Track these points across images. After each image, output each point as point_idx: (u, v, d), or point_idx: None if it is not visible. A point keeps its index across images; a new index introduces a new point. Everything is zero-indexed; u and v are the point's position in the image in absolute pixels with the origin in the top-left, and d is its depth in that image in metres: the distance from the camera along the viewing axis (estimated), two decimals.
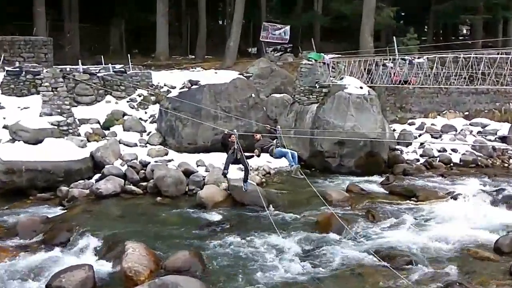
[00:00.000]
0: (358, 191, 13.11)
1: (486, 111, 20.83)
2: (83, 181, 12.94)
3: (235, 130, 11.44)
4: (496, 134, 18.28)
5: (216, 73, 18.79)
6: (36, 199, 12.33)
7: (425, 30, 33.61)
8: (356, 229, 10.18)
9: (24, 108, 14.83)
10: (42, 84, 14.73)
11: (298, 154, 15.99)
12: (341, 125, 15.16)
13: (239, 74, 18.29)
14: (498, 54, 14.77)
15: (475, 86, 15.47)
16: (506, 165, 16.39)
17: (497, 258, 8.90)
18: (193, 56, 26.27)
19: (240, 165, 12.19)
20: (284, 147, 11.50)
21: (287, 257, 8.90)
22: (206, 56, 25.87)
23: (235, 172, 13.83)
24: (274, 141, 11.62)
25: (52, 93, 14.50)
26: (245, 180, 11.71)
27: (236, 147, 10.99)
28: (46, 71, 14.98)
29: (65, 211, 11.52)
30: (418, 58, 18.37)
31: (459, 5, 26.33)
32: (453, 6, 26.79)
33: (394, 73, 17.14)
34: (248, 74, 19.14)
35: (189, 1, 28.51)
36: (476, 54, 14.88)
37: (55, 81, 14.67)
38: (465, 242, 9.51)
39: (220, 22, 34.73)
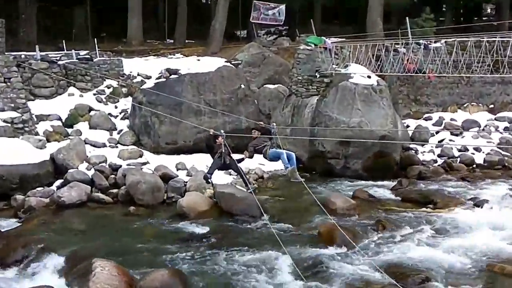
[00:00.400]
0: (366, 198, 13.19)
1: None
2: (42, 188, 12.89)
3: (222, 131, 11.39)
4: None
5: (198, 60, 18.81)
6: None
7: (443, 9, 33.84)
8: (364, 242, 10.22)
9: None
10: None
11: (296, 155, 16.19)
12: (345, 121, 15.24)
13: (226, 61, 18.32)
14: None
15: (500, 74, 15.62)
16: None
17: None
18: (172, 41, 26.27)
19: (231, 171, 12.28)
20: (280, 147, 11.55)
21: (284, 276, 8.91)
22: (187, 41, 25.89)
23: (222, 177, 13.91)
24: (269, 141, 11.63)
25: (4, 84, 14.43)
26: (246, 185, 11.69)
27: (223, 151, 10.98)
28: None
29: (21, 223, 11.43)
30: (435, 42, 18.50)
31: None
32: None
33: (407, 60, 17.25)
34: (236, 62, 19.18)
35: None
36: (502, 37, 15.04)
37: (7, 70, 14.60)
38: (490, 256, 9.57)
39: (204, 1, 34.74)
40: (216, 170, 11.61)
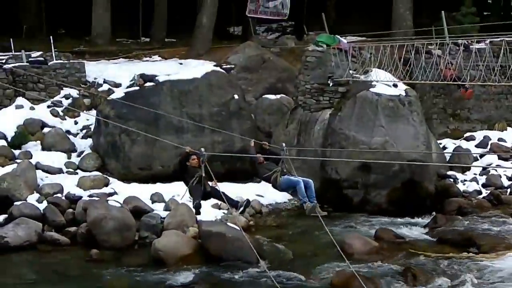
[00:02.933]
0: (391, 239, 13.19)
1: None
2: None
3: (202, 149, 11.37)
4: None
5: (181, 64, 18.98)
6: None
7: (488, 1, 34.23)
8: None
9: None
10: None
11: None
12: (365, 142, 15.30)
13: (216, 65, 18.46)
14: None
15: None
16: None
17: None
18: (148, 40, 26.42)
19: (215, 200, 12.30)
20: (293, 173, 11.49)
21: None
22: (166, 39, 26.04)
23: (209, 211, 13.89)
24: (282, 164, 11.53)
25: None
26: (236, 208, 11.68)
27: (203, 175, 10.95)
28: None
29: None
30: (478, 42, 18.66)
31: None
32: None
33: (446, 66, 17.38)
34: (228, 66, 19.31)
35: None
36: None
37: None
38: None
39: None
40: (199, 202, 11.63)
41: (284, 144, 12.22)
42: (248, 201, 12.25)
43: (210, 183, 11.29)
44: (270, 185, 11.55)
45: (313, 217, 14.87)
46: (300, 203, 11.51)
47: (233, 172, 15.65)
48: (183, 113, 16.41)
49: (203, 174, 10.90)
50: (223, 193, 11.69)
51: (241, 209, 11.99)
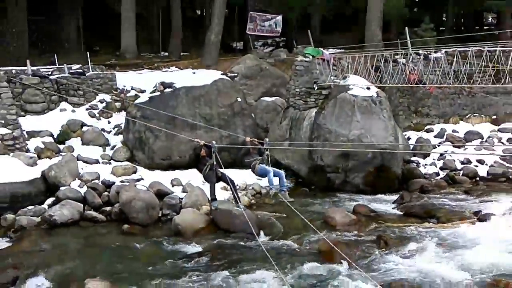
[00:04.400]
0: (366, 213, 13.17)
1: None
2: (33, 207, 12.85)
3: (214, 142, 11.48)
4: None
5: (194, 73, 18.92)
6: None
7: (443, 19, 34.12)
8: (365, 258, 10.22)
9: None
10: None
11: (294, 170, 16.29)
12: (345, 134, 15.29)
13: (222, 74, 18.41)
14: None
15: (502, 84, 15.69)
16: None
17: None
18: (167, 54, 26.42)
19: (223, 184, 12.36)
20: (269, 164, 11.61)
21: None
22: (182, 54, 26.04)
23: (219, 193, 13.89)
24: (260, 156, 11.75)
25: None
26: (236, 202, 11.85)
27: (214, 163, 11.08)
28: None
29: (12, 244, 11.39)
30: (435, 52, 18.62)
31: None
32: None
33: (409, 71, 17.35)
34: (232, 74, 19.30)
35: None
36: (503, 46, 15.16)
37: None
38: (495, 272, 9.57)
39: (199, 12, 34.99)
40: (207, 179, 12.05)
41: (267, 140, 12.39)
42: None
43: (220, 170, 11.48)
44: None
45: (302, 196, 15.02)
46: (272, 188, 11.72)
47: (238, 161, 15.63)
48: (196, 113, 16.40)
49: (214, 162, 11.00)
50: (230, 179, 11.93)
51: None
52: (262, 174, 11.82)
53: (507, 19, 28.31)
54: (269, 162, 11.67)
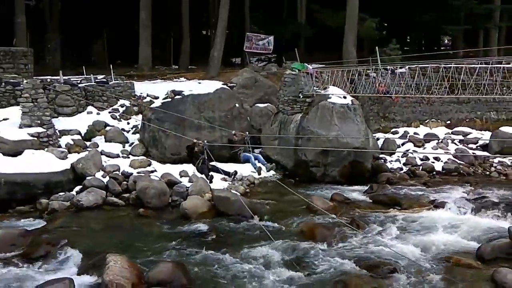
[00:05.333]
0: (342, 200, 13.17)
1: (467, 120, 21.23)
2: (63, 193, 12.77)
3: (205, 141, 11.94)
4: (477, 142, 18.59)
5: (199, 83, 18.84)
6: (15, 212, 12.11)
7: (407, 40, 34.23)
8: (341, 238, 10.21)
9: (3, 119, 14.64)
10: (22, 95, 14.56)
11: (282, 164, 16.31)
12: (325, 135, 15.29)
13: (223, 84, 18.35)
14: (478, 63, 15.14)
15: (456, 95, 15.78)
16: (487, 173, 16.64)
17: (479, 265, 9.01)
18: (177, 67, 26.33)
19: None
20: (249, 152, 12.11)
21: (274, 267, 8.90)
22: (189, 67, 25.95)
23: (219, 183, 13.89)
24: (243, 147, 12.39)
25: (32, 104, 14.35)
26: (229, 176, 12.47)
27: (206, 157, 11.48)
28: (26, 82, 14.83)
29: (45, 224, 11.35)
30: (400, 68, 18.68)
31: (441, 16, 26.93)
32: (435, 17, 27.37)
33: (379, 84, 17.39)
34: (232, 84, 19.24)
35: (173, 11, 28.60)
36: (456, 64, 15.23)
37: (35, 92, 14.52)
38: (448, 250, 9.63)
39: (204, 32, 34.90)
40: (207, 171, 13.18)
41: (247, 133, 12.78)
42: (235, 172, 13.44)
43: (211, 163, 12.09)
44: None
45: (289, 186, 15.01)
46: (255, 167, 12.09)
47: (235, 157, 15.62)
48: (201, 116, 16.31)
49: (206, 157, 11.39)
50: (221, 169, 12.35)
51: (233, 176, 13.79)
52: (246, 159, 12.35)
53: (459, 41, 28.44)
54: (249, 150, 12.13)
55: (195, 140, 12.08)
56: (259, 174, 12.51)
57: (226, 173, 13.47)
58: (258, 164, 12.13)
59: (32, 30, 23.30)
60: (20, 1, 22.62)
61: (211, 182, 13.22)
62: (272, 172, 15.94)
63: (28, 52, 18.55)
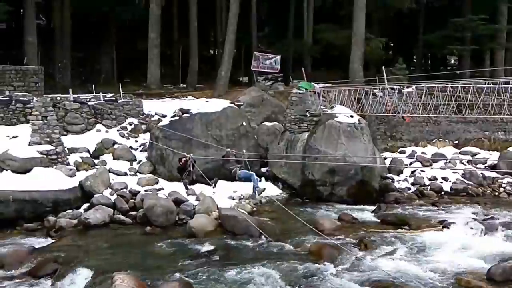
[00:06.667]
0: (349, 220, 13.09)
1: (475, 140, 21.15)
2: (71, 210, 12.83)
3: (191, 154, 12.29)
4: (485, 162, 18.50)
5: (207, 101, 18.95)
6: (23, 229, 12.17)
7: (414, 60, 34.38)
8: (349, 259, 10.12)
9: (13, 137, 14.81)
10: (32, 113, 14.74)
11: (289, 183, 16.31)
12: (332, 153, 15.28)
13: (231, 102, 18.46)
14: (485, 83, 15.16)
15: (463, 115, 15.77)
16: (496, 193, 16.52)
17: (490, 287, 8.89)
18: (185, 85, 26.52)
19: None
20: (248, 170, 12.06)
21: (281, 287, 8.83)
22: (197, 85, 26.13)
23: (226, 201, 13.87)
24: (242, 163, 12.39)
25: (41, 122, 14.51)
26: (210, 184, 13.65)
27: (192, 170, 12.84)
28: (36, 100, 15.03)
29: (53, 241, 11.37)
30: (407, 87, 18.72)
31: (447, 36, 27.09)
32: (441, 37, 27.54)
33: (387, 103, 17.43)
34: (239, 103, 19.34)
35: (181, 30, 28.98)
36: (463, 84, 15.26)
37: (45, 110, 14.70)
38: (458, 272, 9.51)
39: (212, 51, 35.25)
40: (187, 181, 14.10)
41: (245, 151, 12.91)
42: (216, 179, 13.43)
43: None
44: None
45: (296, 205, 14.95)
46: (256, 188, 12.04)
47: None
48: (209, 134, 16.42)
49: (191, 169, 11.80)
50: (202, 175, 12.64)
51: (213, 184, 14.27)
52: (245, 177, 12.34)
53: (466, 61, 28.52)
54: (248, 168, 12.11)
55: (184, 154, 13.08)
56: (255, 196, 12.54)
57: (208, 183, 13.86)
58: (257, 184, 12.15)
59: (42, 49, 23.67)
60: (31, 21, 23.05)
61: (186, 188, 13.97)
62: (279, 191, 15.95)
63: (39, 71, 18.84)
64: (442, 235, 11.63)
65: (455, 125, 21.27)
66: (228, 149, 13.67)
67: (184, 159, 12.88)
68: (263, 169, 17.06)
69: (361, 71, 23.68)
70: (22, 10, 25.23)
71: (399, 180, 17.11)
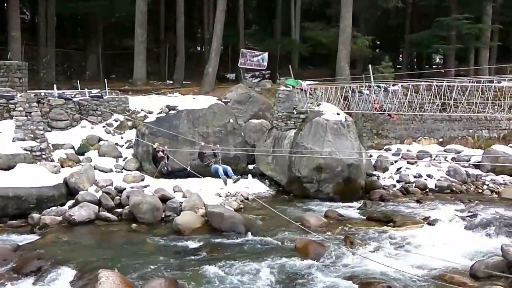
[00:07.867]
0: (336, 217, 13.16)
1: (459, 137, 21.42)
2: (55, 207, 12.68)
3: (166, 146, 12.56)
4: (469, 160, 18.74)
5: (194, 98, 18.91)
6: (7, 226, 12.02)
7: (400, 58, 34.67)
8: (334, 255, 10.17)
9: None
10: (16, 109, 14.56)
11: (276, 180, 16.34)
12: (318, 151, 15.33)
13: (218, 99, 18.44)
14: (469, 82, 15.35)
15: (448, 113, 15.95)
16: (479, 191, 16.74)
17: (473, 283, 9.01)
18: (171, 82, 26.39)
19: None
20: (219, 164, 12.31)
21: (267, 284, 8.86)
22: (184, 82, 26.02)
23: (213, 198, 13.85)
24: (214, 159, 12.50)
25: (25, 118, 14.34)
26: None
27: (166, 162, 13.20)
28: (20, 96, 14.83)
29: (37, 238, 11.23)
30: (393, 85, 18.87)
31: (432, 35, 27.35)
32: (426, 36, 27.79)
33: (375, 101, 17.53)
34: (226, 100, 19.32)
35: (168, 26, 28.80)
36: (448, 82, 15.44)
37: (29, 105, 14.53)
38: (441, 268, 9.61)
39: (199, 48, 35.10)
40: (163, 173, 14.15)
41: (218, 146, 13.00)
42: (188, 168, 13.76)
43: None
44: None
45: (283, 202, 14.98)
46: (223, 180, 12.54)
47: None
48: (195, 131, 16.40)
49: (167, 161, 11.90)
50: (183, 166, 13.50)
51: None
52: (215, 171, 12.44)
53: (451, 59, 28.83)
54: (219, 162, 12.35)
55: (155, 146, 13.13)
56: (226, 184, 12.73)
57: (184, 172, 14.03)
58: (223, 176, 12.47)
59: (27, 44, 23.33)
60: (15, 15, 22.68)
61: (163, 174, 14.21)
62: (266, 188, 15.98)
63: (23, 66, 18.55)
64: (426, 232, 11.74)
65: (440, 123, 21.51)
66: (202, 143, 13.82)
67: (160, 151, 13.12)
68: (250, 166, 17.09)
69: (348, 69, 23.80)
70: (5, 5, 24.82)
71: (385, 178, 17.25)
